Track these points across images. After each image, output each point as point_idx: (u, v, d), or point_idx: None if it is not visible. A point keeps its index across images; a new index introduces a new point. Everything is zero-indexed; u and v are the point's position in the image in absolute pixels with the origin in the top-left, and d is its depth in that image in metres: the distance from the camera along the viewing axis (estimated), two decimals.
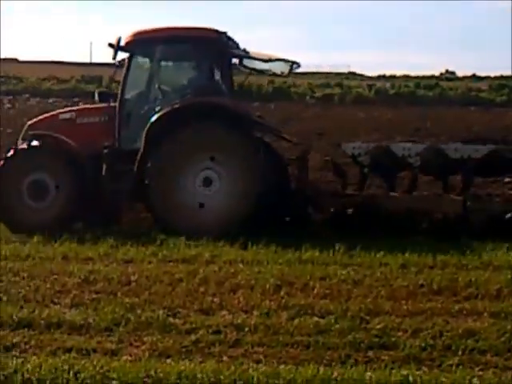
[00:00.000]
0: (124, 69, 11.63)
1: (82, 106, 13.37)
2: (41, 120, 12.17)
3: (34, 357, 5.62)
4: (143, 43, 11.63)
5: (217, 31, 11.61)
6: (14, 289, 7.49)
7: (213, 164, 10.98)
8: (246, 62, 12.08)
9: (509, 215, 10.80)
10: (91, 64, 76.78)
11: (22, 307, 6.80)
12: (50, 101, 43.05)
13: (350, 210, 11.09)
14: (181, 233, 10.31)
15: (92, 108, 12.25)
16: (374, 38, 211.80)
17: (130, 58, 11.62)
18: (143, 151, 10.99)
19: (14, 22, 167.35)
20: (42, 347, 5.88)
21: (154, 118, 11.06)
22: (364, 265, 8.82)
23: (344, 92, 47.37)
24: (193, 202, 10.94)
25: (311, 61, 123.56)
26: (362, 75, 66.53)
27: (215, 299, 7.17)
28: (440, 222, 10.92)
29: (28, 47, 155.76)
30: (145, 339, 6.09)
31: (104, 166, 11.17)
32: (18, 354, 5.73)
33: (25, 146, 11.53)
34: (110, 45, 11.39)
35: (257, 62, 12.10)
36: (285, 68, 12.36)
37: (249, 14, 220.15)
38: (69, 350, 5.80)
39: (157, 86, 11.67)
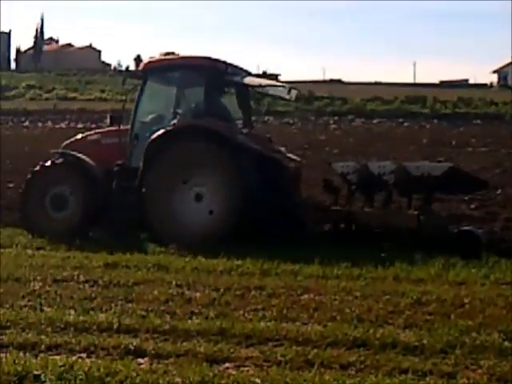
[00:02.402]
0: (137, 93, 14.19)
1: (107, 129, 14.95)
2: (73, 141, 14.86)
3: (371, 376, 6.03)
4: (151, 70, 14.21)
5: (213, 60, 13.93)
6: (347, 308, 8.23)
7: (201, 181, 13.02)
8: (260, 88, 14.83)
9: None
10: (415, 84, 77.66)
11: (356, 326, 7.42)
12: (375, 121, 44.49)
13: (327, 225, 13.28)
14: (172, 244, 12.23)
15: (114, 130, 14.42)
16: None
17: (142, 84, 14.11)
18: (142, 168, 13.27)
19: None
20: (378, 367, 6.30)
21: (151, 139, 13.29)
22: None
23: None
24: (185, 215, 12.95)
25: None
26: None
27: None
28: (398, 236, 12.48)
29: (351, 69, 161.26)
30: (481, 363, 6.37)
31: (114, 182, 13.60)
32: (353, 372, 6.18)
33: (49, 162, 14.10)
34: (120, 72, 13.49)
35: (268, 88, 15.01)
36: (292, 94, 14.88)
37: None
38: (405, 371, 6.20)
39: (160, 109, 14.15)
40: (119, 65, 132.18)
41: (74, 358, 6.24)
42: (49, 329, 7.27)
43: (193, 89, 14.19)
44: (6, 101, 67.39)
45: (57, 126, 47.19)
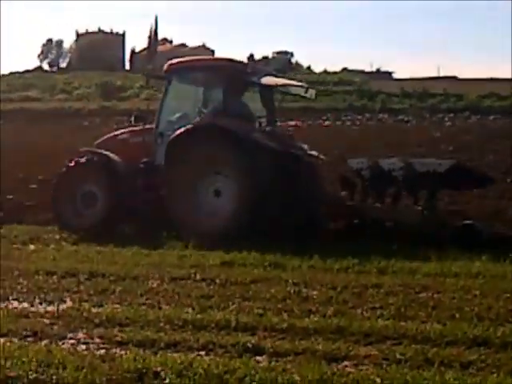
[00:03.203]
0: (162, 94, 15.13)
1: (136, 128, 15.57)
2: (104, 139, 15.69)
3: (493, 375, 5.91)
4: (175, 72, 14.96)
5: (233, 61, 14.79)
6: (466, 306, 8.13)
7: (219, 178, 13.75)
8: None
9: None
10: None
11: (475, 325, 7.30)
12: (491, 118, 43.66)
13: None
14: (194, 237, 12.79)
15: (143, 129, 15.26)
16: None
17: (166, 84, 14.95)
18: (164, 165, 14.12)
19: None
20: (500, 366, 6.17)
21: (171, 138, 14.07)
22: None
23: None
24: (205, 210, 13.71)
25: None
26: None
27: None
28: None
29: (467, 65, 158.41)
30: None
31: (140, 179, 14.53)
32: (474, 372, 6.08)
33: (78, 161, 14.93)
34: (144, 73, 15.28)
35: (292, 88, 15.67)
36: (312, 93, 15.65)
37: None
38: None
39: (183, 108, 14.94)
40: None
41: (192, 356, 6.33)
42: (167, 326, 7.40)
43: (213, 89, 14.92)
44: (121, 101, 68.89)
45: None
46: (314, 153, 14.83)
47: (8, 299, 8.79)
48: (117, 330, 7.32)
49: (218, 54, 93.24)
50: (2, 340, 6.97)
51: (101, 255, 11.81)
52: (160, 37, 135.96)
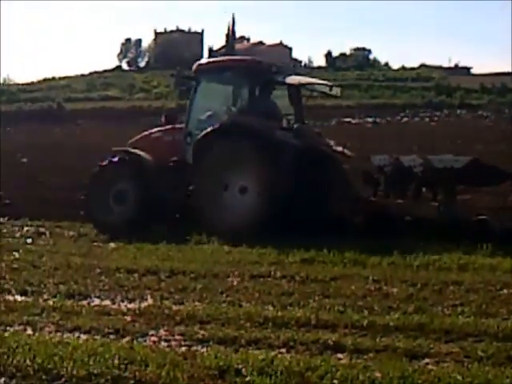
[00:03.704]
0: (191, 94, 15.43)
1: (169, 126, 15.91)
2: (138, 138, 16.16)
3: None
4: (203, 72, 15.44)
5: (258, 61, 15.52)
6: None
7: (244, 175, 14.05)
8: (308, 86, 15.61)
9: None
10: None
11: None
12: None
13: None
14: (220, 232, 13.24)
15: (174, 128, 15.69)
16: None
17: (195, 85, 15.36)
18: (192, 164, 14.61)
19: None
20: None
21: (199, 136, 14.55)
22: None
23: None
24: (231, 207, 14.06)
25: None
26: None
27: None
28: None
29: None
30: None
31: (170, 177, 14.85)
32: None
33: (110, 160, 15.46)
34: (172, 75, 17.27)
35: (317, 86, 15.86)
36: (337, 90, 16.25)
37: None
38: None
39: (211, 108, 15.19)
40: (310, 61, 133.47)
41: (273, 353, 6.35)
42: (248, 324, 7.45)
43: (239, 88, 15.30)
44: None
45: None
46: (340, 149, 15.06)
47: (90, 297, 8.95)
48: (198, 327, 7.39)
49: (295, 52, 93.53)
50: (85, 337, 7.12)
51: (181, 253, 11.93)
52: (238, 35, 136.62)
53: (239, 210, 14.02)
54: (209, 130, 14.34)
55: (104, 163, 15.58)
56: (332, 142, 15.28)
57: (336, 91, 16.33)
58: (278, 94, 15.48)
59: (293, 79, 15.13)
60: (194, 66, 15.65)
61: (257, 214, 13.66)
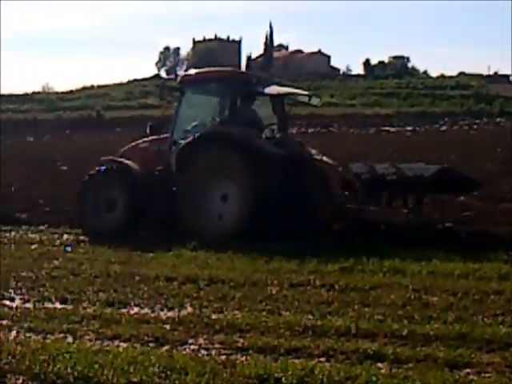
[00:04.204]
0: (176, 104, 15.99)
1: (155, 137, 16.25)
2: (127, 149, 16.55)
3: None
4: (187, 83, 15.95)
5: (239, 72, 16.90)
6: None
7: (224, 183, 14.39)
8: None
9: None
10: None
11: None
12: None
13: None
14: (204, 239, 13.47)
15: (161, 138, 16.00)
16: None
17: (180, 95, 15.80)
18: (175, 173, 15.04)
19: None
20: None
21: (181, 145, 15.03)
22: None
23: None
24: (212, 214, 14.46)
25: None
26: None
27: None
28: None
29: None
30: None
31: (155, 186, 15.25)
32: None
33: (98, 169, 15.95)
34: (158, 86, 18.01)
35: (297, 96, 16.46)
36: (316, 100, 17.50)
37: None
38: None
39: (194, 118, 15.61)
40: (348, 69, 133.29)
41: (313, 362, 6.35)
42: (287, 333, 7.45)
43: (221, 99, 15.76)
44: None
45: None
46: (322, 158, 15.31)
47: (129, 305, 8.99)
48: (237, 335, 7.41)
49: (333, 60, 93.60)
50: (125, 345, 7.16)
51: (220, 261, 11.93)
52: (276, 43, 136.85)
53: (220, 217, 14.48)
54: (190, 139, 14.87)
55: (93, 172, 16.10)
56: (314, 151, 15.58)
57: (316, 101, 17.53)
58: (263, 104, 15.96)
59: (272, 89, 15.48)
60: (179, 78, 16.41)
61: (237, 221, 14.15)
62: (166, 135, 15.91)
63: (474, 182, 14.36)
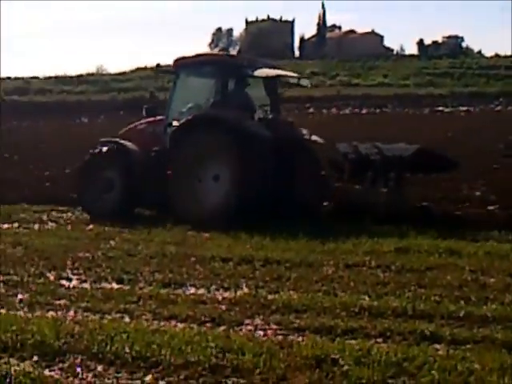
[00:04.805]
0: (171, 87, 16.51)
1: (152, 119, 16.58)
2: (126, 130, 16.97)
3: None
4: (181, 67, 16.19)
5: (229, 55, 17.07)
6: None
7: (216, 164, 14.72)
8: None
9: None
10: None
11: None
12: None
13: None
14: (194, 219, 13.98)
15: (157, 120, 16.33)
16: None
17: (175, 78, 16.34)
18: (168, 152, 15.34)
19: None
20: None
21: (174, 127, 15.44)
22: None
23: None
24: (205, 195, 14.78)
25: None
26: None
27: None
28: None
29: None
30: None
31: (151, 166, 15.58)
32: None
33: (98, 149, 16.42)
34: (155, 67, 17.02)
35: (290, 78, 16.88)
36: (306, 82, 18.34)
37: None
38: None
39: (188, 101, 15.99)
40: (402, 49, 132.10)
41: (370, 343, 6.32)
42: (343, 313, 7.43)
43: (213, 82, 15.97)
44: (290, 88, 69.36)
45: (341, 112, 47.98)
46: (313, 138, 15.54)
47: (185, 285, 9.03)
48: (293, 316, 7.41)
49: (387, 40, 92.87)
50: (182, 325, 7.20)
51: (275, 242, 11.92)
52: (329, 23, 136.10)
53: (212, 197, 14.72)
54: (183, 121, 15.27)
55: (93, 152, 16.51)
56: (305, 131, 15.83)
57: (305, 82, 18.36)
58: (256, 86, 16.26)
59: (261, 72, 15.81)
60: (173, 61, 16.54)
61: (228, 201, 14.41)
62: (161, 117, 16.29)
63: (452, 162, 14.59)
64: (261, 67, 16.04)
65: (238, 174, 14.39)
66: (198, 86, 16.60)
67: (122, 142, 16.38)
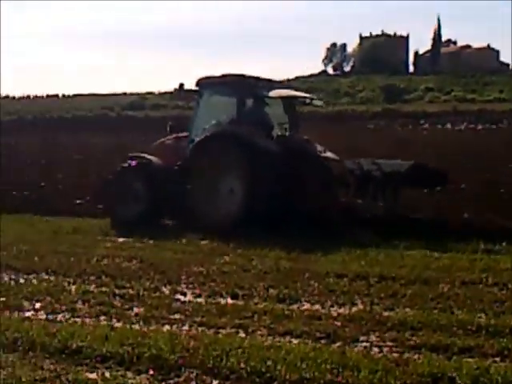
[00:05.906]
0: (195, 105, 17.69)
1: (179, 134, 17.52)
2: (154, 145, 18.08)
3: None
4: (203, 86, 17.20)
5: (246, 77, 17.17)
6: None
7: (231, 178, 15.79)
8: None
9: None
10: None
11: None
12: None
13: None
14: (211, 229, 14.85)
15: (182, 136, 17.36)
16: None
17: (198, 97, 17.34)
18: (188, 168, 16.41)
19: None
20: None
21: (193, 143, 16.60)
22: None
23: None
24: (219, 205, 15.80)
25: None
26: None
27: None
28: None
29: None
30: None
31: (175, 179, 16.56)
32: None
33: (126, 164, 17.51)
34: (178, 88, 19.78)
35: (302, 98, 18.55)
36: (320, 102, 20.74)
37: None
38: None
39: (209, 118, 17.01)
40: None
41: (488, 362, 6.18)
42: (460, 331, 7.29)
43: (232, 101, 16.90)
44: (404, 103, 68.81)
45: (456, 128, 47.21)
46: (329, 155, 16.29)
47: (300, 301, 9.01)
48: (409, 333, 7.31)
49: (503, 55, 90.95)
50: (297, 341, 7.18)
51: (390, 258, 11.80)
52: (444, 38, 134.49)
53: (227, 208, 15.66)
54: (202, 137, 16.41)
55: (121, 166, 17.66)
56: (320, 148, 16.54)
57: (319, 103, 20.71)
58: (276, 106, 17.39)
59: (275, 93, 16.87)
60: (196, 81, 17.45)
61: (241, 213, 15.36)
62: (186, 134, 17.33)
63: (446, 177, 15.25)
64: (273, 88, 17.10)
65: (248, 187, 15.45)
66: (219, 104, 17.54)
67: (148, 156, 17.56)
